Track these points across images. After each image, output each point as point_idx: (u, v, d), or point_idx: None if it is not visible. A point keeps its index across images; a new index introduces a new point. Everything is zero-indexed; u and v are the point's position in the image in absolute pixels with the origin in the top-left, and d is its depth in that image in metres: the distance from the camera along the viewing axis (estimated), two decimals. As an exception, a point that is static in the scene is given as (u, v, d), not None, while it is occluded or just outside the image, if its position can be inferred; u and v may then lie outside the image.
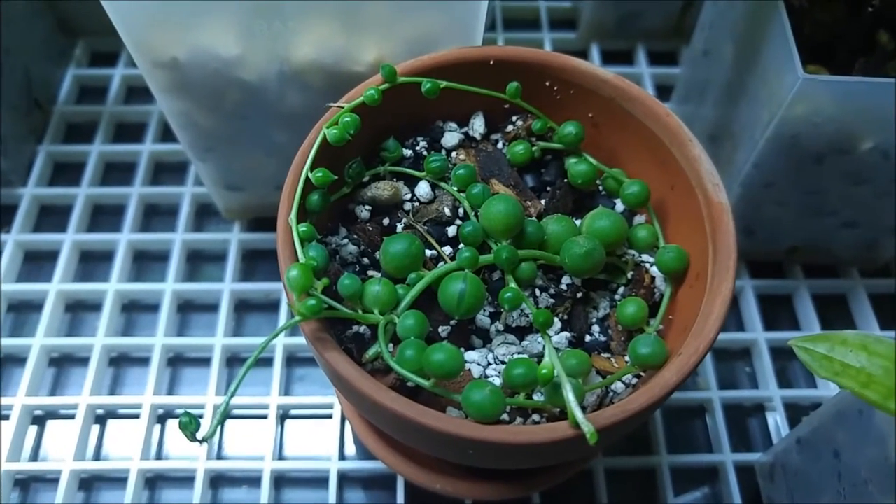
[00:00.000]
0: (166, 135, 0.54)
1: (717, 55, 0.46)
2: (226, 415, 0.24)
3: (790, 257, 0.48)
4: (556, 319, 0.31)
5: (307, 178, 0.30)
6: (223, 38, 0.36)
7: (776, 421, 0.44)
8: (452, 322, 0.30)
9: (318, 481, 0.42)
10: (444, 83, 0.33)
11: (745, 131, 0.41)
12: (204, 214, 0.52)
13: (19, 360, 0.45)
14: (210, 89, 0.38)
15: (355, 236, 0.33)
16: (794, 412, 0.44)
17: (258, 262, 0.50)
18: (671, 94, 0.57)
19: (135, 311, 0.48)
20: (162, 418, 0.44)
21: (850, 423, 0.31)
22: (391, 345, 0.28)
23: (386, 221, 0.33)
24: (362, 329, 0.30)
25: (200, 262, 0.50)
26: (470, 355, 0.30)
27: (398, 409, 0.25)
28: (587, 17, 0.59)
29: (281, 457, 0.43)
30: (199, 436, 0.23)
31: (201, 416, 0.43)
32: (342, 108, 0.32)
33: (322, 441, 0.43)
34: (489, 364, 0.29)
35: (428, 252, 0.31)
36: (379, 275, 0.31)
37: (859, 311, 0.48)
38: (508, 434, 0.25)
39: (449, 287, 0.28)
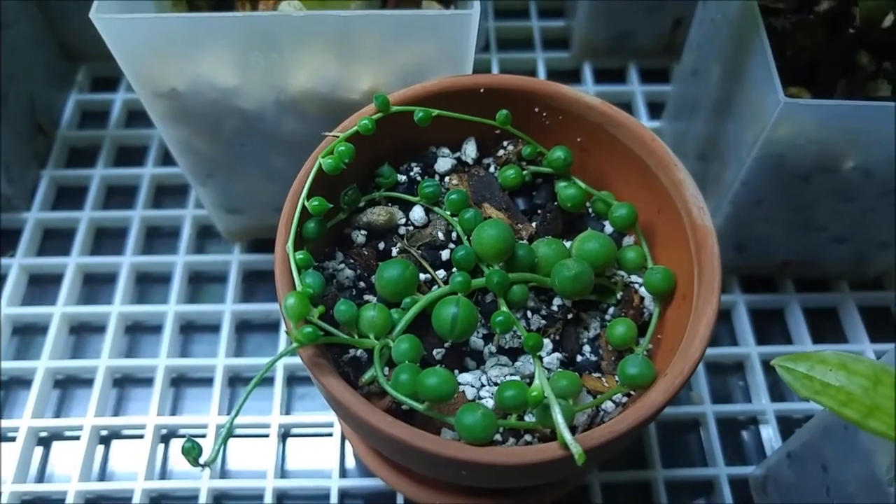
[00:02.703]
0: (167, 158, 0.55)
1: (704, 75, 0.47)
2: (226, 440, 0.25)
3: (781, 272, 0.49)
4: (547, 340, 0.32)
5: (304, 207, 0.31)
6: (221, 68, 0.37)
7: (769, 434, 0.45)
8: (446, 345, 0.31)
9: (319, 499, 0.43)
10: (435, 111, 0.34)
11: (732, 150, 0.42)
12: (205, 236, 0.53)
13: (25, 382, 0.46)
14: (209, 118, 0.39)
15: (351, 261, 0.33)
16: (787, 425, 0.45)
17: (258, 283, 0.51)
18: (663, 111, 0.58)
19: (138, 333, 0.49)
20: (165, 438, 0.45)
21: (836, 438, 0.32)
22: (387, 368, 0.29)
23: (381, 246, 0.34)
24: (359, 353, 0.30)
25: (202, 283, 0.51)
26: (464, 377, 0.30)
27: (393, 432, 0.26)
28: (579, 36, 0.60)
29: (283, 475, 0.44)
30: (201, 460, 0.24)
31: (204, 436, 0.44)
32: (337, 137, 0.33)
33: (323, 459, 0.44)
34: (483, 385, 0.30)
35: (422, 276, 0.32)
36: (375, 299, 0.32)
37: (850, 324, 0.49)
38: (500, 455, 0.26)
39: (442, 312, 0.29)
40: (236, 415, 0.25)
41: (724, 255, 0.31)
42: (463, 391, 0.30)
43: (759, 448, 0.45)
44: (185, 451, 0.24)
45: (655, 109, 0.59)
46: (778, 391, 0.46)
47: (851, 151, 0.38)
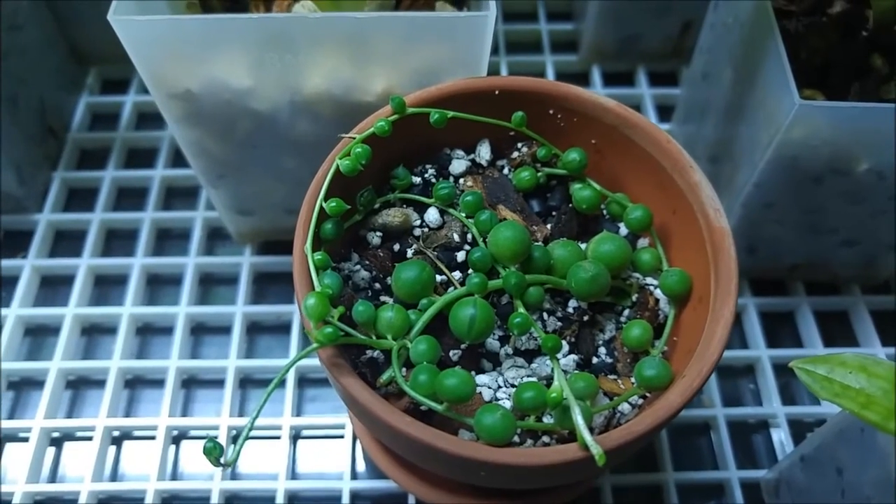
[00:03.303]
0: (177, 160, 0.56)
1: (715, 78, 0.47)
2: (245, 440, 0.25)
3: (792, 275, 0.49)
4: (563, 342, 0.32)
5: (321, 208, 0.31)
6: (235, 70, 0.37)
7: (780, 438, 0.45)
8: (463, 346, 0.31)
9: (330, 500, 0.43)
10: (451, 113, 0.34)
11: (744, 153, 0.42)
12: (215, 238, 0.53)
13: (37, 383, 0.46)
14: (222, 119, 0.39)
15: (367, 262, 0.34)
16: (798, 429, 0.45)
17: (269, 285, 0.51)
18: (672, 115, 0.58)
19: (149, 334, 0.49)
20: (177, 439, 0.45)
21: (853, 442, 0.32)
22: (404, 369, 0.29)
23: (397, 247, 0.34)
24: (376, 354, 0.30)
25: (213, 285, 0.51)
26: (480, 378, 0.30)
27: (413, 432, 0.26)
28: (588, 39, 0.60)
29: (294, 476, 0.44)
30: (222, 460, 0.24)
31: (216, 437, 0.44)
32: (354, 138, 0.33)
33: (334, 461, 0.44)
34: (499, 387, 0.30)
35: (438, 277, 0.32)
36: (391, 300, 0.32)
37: (861, 328, 0.49)
38: (520, 456, 0.26)
39: (459, 313, 0.29)
40: (256, 416, 0.25)
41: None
42: (480, 392, 0.30)
43: (770, 451, 0.45)
44: (206, 451, 0.24)
45: (664, 112, 0.59)
46: (789, 394, 0.46)
47: (864, 153, 0.38)
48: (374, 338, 0.29)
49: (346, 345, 0.29)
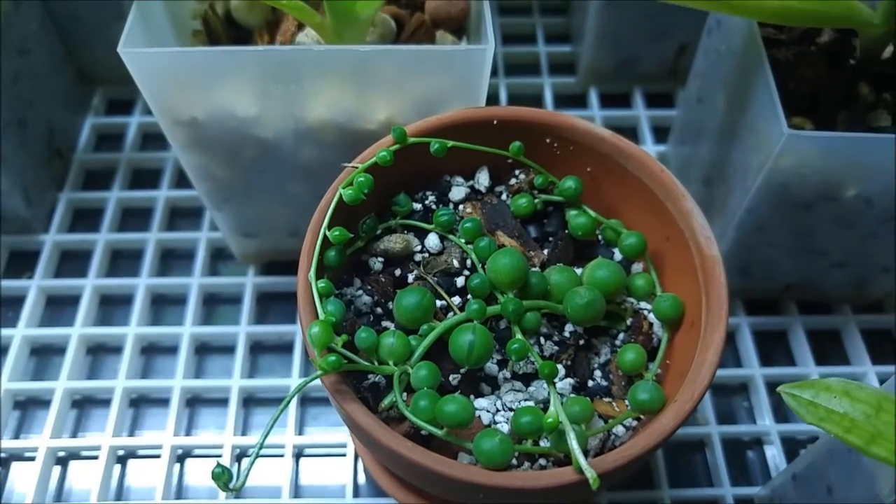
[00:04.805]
0: (181, 181, 0.57)
1: (709, 103, 0.48)
2: (253, 464, 0.26)
3: (785, 295, 0.50)
4: (560, 366, 0.33)
5: (325, 236, 0.32)
6: (241, 99, 0.38)
7: (774, 455, 0.46)
8: (463, 370, 0.32)
9: (332, 518, 0.43)
10: (450, 143, 0.35)
11: (737, 178, 0.43)
12: (219, 258, 0.54)
13: (43, 402, 0.47)
14: (228, 145, 0.40)
15: (369, 287, 0.34)
16: (791, 446, 0.46)
17: (272, 305, 0.52)
18: (668, 135, 0.59)
19: (154, 354, 0.50)
20: (181, 458, 0.46)
21: (841, 461, 0.33)
22: (405, 394, 0.30)
23: (398, 272, 0.35)
24: (378, 379, 0.31)
25: (216, 305, 0.52)
26: (479, 402, 0.31)
27: (413, 457, 0.27)
28: (586, 62, 0.61)
29: (297, 494, 0.44)
30: (231, 485, 0.25)
31: (220, 456, 0.45)
32: (356, 168, 0.34)
33: (336, 478, 0.45)
34: (498, 411, 0.31)
35: (438, 302, 0.33)
36: (392, 325, 0.33)
37: (852, 347, 0.50)
38: (517, 480, 0.26)
39: (459, 339, 0.30)
40: (264, 440, 0.26)
41: (729, 278, 0.32)
42: (479, 416, 0.31)
43: (763, 468, 0.46)
44: (215, 477, 0.25)
45: (660, 133, 0.60)
46: (782, 412, 0.47)
47: (852, 181, 0.39)
48: (375, 363, 0.30)
49: (348, 371, 0.30)
